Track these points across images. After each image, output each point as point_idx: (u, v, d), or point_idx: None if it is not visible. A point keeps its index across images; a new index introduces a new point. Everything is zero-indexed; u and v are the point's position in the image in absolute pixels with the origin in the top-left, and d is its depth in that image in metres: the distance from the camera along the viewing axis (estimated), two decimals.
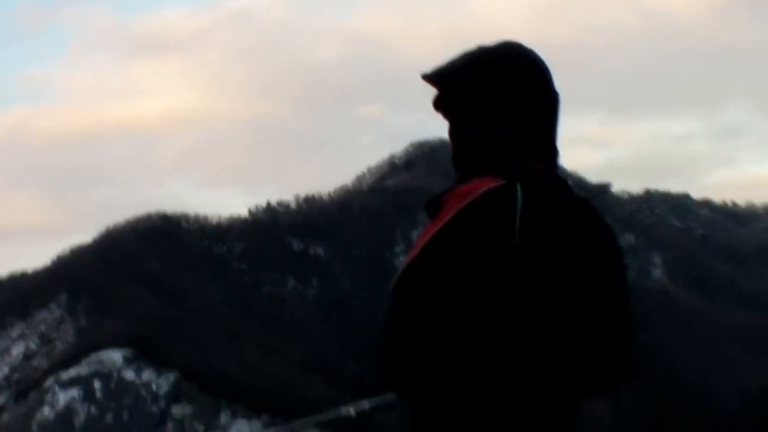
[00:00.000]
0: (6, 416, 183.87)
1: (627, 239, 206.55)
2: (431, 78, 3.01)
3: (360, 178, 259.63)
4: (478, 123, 2.91)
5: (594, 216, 2.93)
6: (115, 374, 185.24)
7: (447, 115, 3.03)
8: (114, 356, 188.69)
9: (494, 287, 2.70)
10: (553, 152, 2.97)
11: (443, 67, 2.99)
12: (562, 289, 2.79)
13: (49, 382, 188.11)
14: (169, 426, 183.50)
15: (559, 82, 2.89)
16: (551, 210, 2.82)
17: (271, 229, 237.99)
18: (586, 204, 2.94)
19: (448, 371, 2.74)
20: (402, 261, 2.70)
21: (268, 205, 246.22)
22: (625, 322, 2.89)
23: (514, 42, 2.98)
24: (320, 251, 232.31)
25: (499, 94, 2.88)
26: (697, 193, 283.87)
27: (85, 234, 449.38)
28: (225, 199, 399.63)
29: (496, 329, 2.73)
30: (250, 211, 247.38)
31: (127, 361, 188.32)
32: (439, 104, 3.04)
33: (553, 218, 2.81)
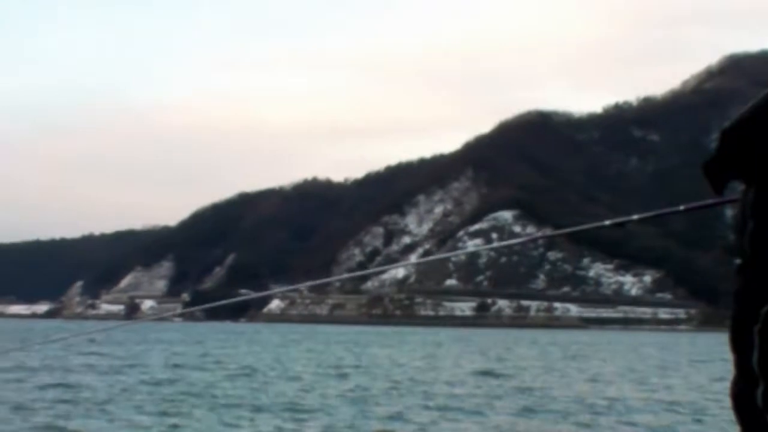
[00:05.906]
0: None
1: None
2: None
3: (684, 83, 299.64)
4: None
5: None
6: (506, 228, 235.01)
7: None
8: (506, 215, 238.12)
9: None
10: None
11: None
12: None
13: (460, 233, 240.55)
14: (545, 266, 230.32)
15: None
16: None
17: (619, 121, 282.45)
18: None
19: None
20: (713, 147, 2.76)
21: (616, 103, 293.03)
22: None
23: None
24: (655, 137, 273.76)
25: None
26: None
27: (485, 126, 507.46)
28: (585, 99, 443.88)
29: None
30: (603, 108, 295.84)
31: (515, 218, 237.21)
32: None
33: None
